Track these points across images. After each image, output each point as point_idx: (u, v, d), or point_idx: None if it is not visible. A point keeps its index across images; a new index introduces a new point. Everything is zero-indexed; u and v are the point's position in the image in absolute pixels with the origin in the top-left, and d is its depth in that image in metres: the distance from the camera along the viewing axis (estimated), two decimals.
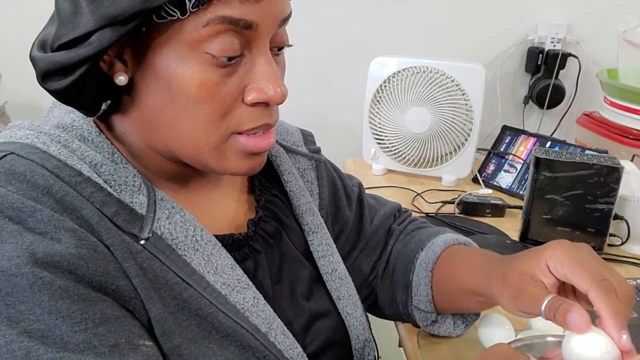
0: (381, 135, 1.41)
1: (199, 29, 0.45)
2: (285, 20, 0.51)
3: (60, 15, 0.47)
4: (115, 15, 0.43)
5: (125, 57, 0.49)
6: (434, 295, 0.72)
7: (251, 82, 0.49)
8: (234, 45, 0.47)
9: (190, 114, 0.49)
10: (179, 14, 0.45)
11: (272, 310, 0.56)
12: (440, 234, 0.77)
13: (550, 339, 0.56)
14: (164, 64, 0.47)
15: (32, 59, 0.49)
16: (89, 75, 0.48)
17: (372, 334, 0.71)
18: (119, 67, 0.49)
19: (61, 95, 0.50)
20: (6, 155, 0.48)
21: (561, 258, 0.53)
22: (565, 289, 0.55)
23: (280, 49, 0.53)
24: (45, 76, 0.48)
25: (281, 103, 0.51)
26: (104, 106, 0.53)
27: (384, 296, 0.79)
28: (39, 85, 0.49)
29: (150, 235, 0.50)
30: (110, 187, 0.50)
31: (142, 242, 0.50)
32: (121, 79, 0.49)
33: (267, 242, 0.62)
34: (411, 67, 1.34)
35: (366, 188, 0.86)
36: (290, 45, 0.54)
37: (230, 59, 0.47)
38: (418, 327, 0.77)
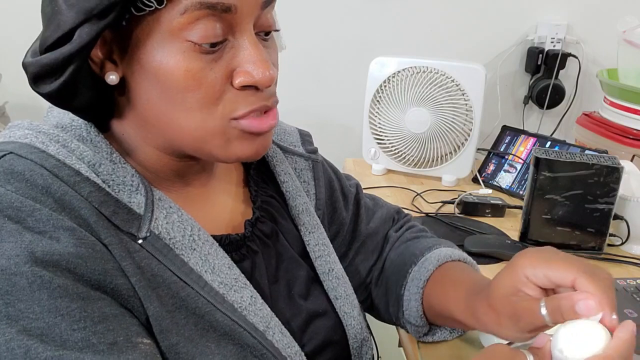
0: (381, 135, 1.41)
1: (177, 17, 0.45)
2: (267, 2, 0.50)
3: (44, 19, 0.48)
4: (91, 9, 0.44)
5: (115, 56, 0.49)
6: (424, 311, 0.72)
7: (238, 65, 0.49)
8: (215, 31, 0.47)
9: (182, 104, 0.49)
10: (155, 3, 0.45)
11: (269, 309, 0.56)
12: (434, 248, 0.75)
13: None
14: (149, 57, 0.47)
15: (24, 65, 0.49)
16: (80, 75, 0.48)
17: (370, 333, 0.71)
18: (109, 67, 0.49)
19: (54, 98, 0.50)
20: (5, 154, 0.48)
21: (533, 263, 0.53)
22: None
23: (267, 33, 0.52)
24: (36, 80, 0.48)
25: (269, 86, 0.50)
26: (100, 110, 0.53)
27: (379, 302, 0.78)
28: (33, 90, 0.50)
29: (148, 234, 0.50)
30: (109, 186, 0.50)
31: (140, 241, 0.50)
32: (112, 78, 0.49)
33: (264, 243, 0.62)
34: (411, 67, 1.34)
35: (366, 188, 0.86)
36: (278, 30, 0.54)
37: (213, 44, 0.47)
38: None
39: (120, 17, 0.45)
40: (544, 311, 0.50)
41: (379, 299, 0.78)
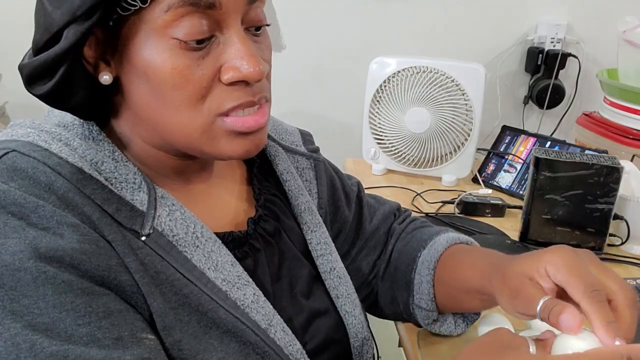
0: (381, 135, 1.41)
1: (162, 15, 0.46)
2: None
3: (35, 22, 0.48)
4: (74, 9, 0.44)
5: (108, 56, 0.49)
6: (435, 294, 0.72)
7: (226, 61, 0.49)
8: (201, 27, 0.47)
9: (171, 101, 0.49)
10: (139, 2, 0.45)
11: (271, 307, 0.56)
12: (441, 232, 0.77)
13: None
14: (138, 56, 0.48)
15: (19, 68, 0.49)
16: (73, 76, 0.48)
17: (371, 332, 0.71)
18: (102, 67, 0.50)
19: (49, 99, 0.50)
20: (8, 152, 0.48)
21: (559, 265, 0.52)
22: (566, 294, 0.53)
23: (258, 28, 0.52)
24: (30, 81, 0.49)
25: (259, 80, 0.50)
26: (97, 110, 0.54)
27: (385, 296, 0.79)
28: (28, 92, 0.50)
29: (151, 231, 0.51)
30: (111, 184, 0.51)
31: (143, 238, 0.50)
32: (106, 78, 0.49)
33: (266, 241, 0.62)
34: (411, 67, 1.34)
35: (366, 188, 0.86)
36: (269, 24, 0.53)
37: (199, 41, 0.47)
38: (419, 326, 0.77)
39: (106, 17, 0.46)
40: (538, 307, 0.50)
41: (385, 292, 0.78)
